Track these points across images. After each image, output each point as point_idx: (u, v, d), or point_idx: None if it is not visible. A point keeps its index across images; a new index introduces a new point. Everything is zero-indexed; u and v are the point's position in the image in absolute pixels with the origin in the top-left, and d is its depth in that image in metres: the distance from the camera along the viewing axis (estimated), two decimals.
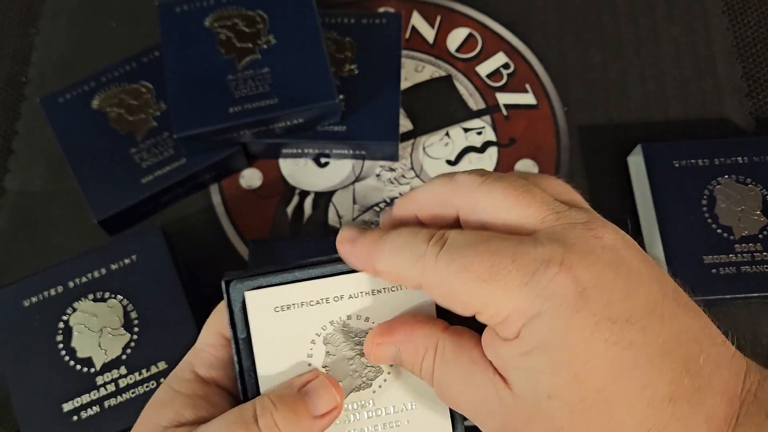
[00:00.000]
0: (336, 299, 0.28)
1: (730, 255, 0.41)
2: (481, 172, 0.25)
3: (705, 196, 0.42)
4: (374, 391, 0.28)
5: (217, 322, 0.30)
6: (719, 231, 0.41)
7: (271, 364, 0.28)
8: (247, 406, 0.27)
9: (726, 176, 0.43)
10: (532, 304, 0.22)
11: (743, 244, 0.41)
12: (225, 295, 0.28)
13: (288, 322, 0.28)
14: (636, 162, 0.45)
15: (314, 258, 0.28)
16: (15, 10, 0.52)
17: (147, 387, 0.36)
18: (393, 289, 0.28)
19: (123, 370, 0.36)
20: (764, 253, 0.41)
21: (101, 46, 0.51)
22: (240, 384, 0.28)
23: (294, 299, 0.28)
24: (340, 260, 0.27)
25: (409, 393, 0.28)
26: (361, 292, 0.28)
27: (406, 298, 0.28)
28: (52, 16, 0.52)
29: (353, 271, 0.27)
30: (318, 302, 0.28)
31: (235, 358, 0.28)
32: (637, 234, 0.44)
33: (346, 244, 0.27)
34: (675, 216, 0.42)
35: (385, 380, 0.28)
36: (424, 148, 0.48)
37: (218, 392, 0.29)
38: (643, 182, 0.44)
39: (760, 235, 0.41)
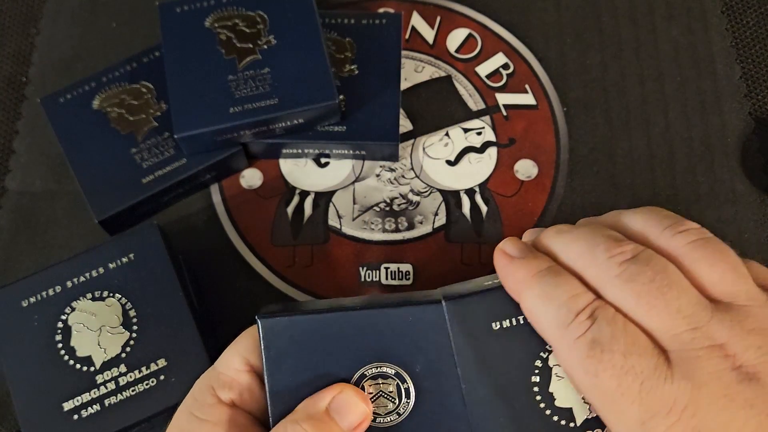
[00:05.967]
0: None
1: None
2: (622, 256, 0.24)
3: None
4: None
5: (242, 346, 0.30)
6: None
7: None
8: (277, 430, 0.27)
9: None
10: None
11: None
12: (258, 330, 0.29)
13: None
14: None
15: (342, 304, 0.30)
16: (16, 10, 0.53)
17: (147, 384, 0.36)
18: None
19: (123, 368, 0.36)
20: None
21: (102, 47, 0.51)
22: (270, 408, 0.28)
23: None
24: (365, 308, 0.29)
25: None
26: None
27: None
28: (52, 16, 0.52)
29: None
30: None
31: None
32: None
33: (503, 258, 0.27)
34: None
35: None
36: (423, 148, 0.48)
37: (242, 414, 0.29)
38: None
39: None
